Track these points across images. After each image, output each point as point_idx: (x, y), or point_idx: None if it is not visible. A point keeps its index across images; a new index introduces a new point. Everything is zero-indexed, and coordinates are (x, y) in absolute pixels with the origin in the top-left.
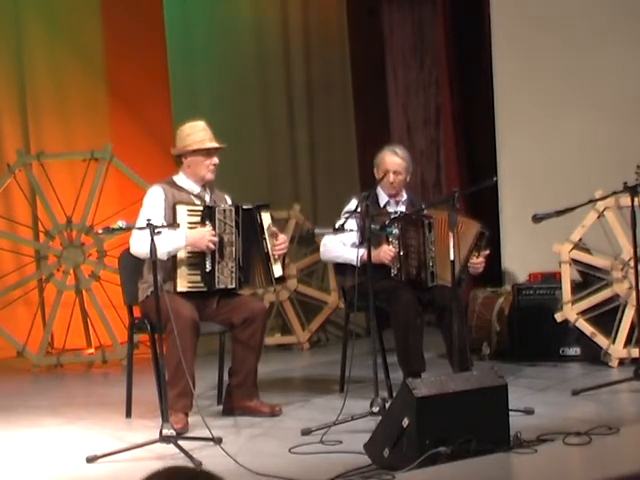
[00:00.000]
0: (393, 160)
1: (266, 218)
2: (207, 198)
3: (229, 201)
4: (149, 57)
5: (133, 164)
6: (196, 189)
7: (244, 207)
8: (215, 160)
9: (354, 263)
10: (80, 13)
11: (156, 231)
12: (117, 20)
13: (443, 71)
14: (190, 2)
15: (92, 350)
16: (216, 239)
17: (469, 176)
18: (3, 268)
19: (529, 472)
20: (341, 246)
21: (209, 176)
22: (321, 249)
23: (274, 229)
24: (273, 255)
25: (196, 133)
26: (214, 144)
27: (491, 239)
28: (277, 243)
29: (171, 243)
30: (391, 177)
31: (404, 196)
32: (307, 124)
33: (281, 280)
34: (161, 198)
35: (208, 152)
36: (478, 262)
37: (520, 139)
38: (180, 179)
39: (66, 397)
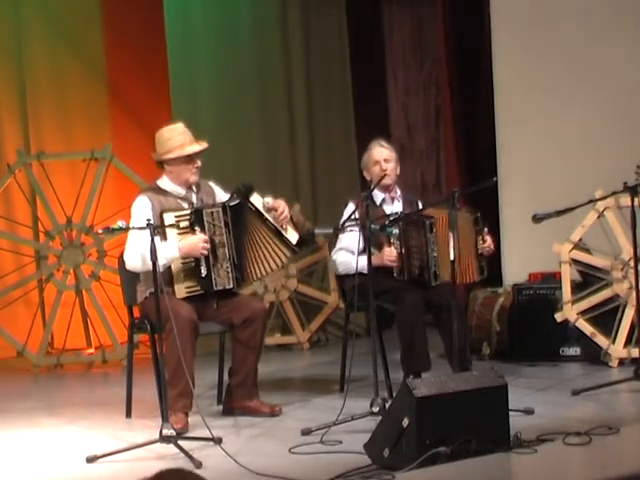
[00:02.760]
0: (380, 150)
1: (257, 201)
2: (194, 198)
3: (215, 189)
4: (149, 57)
5: (133, 164)
6: (182, 192)
7: (231, 204)
8: (198, 163)
9: (365, 271)
10: (80, 13)
11: (156, 232)
12: (117, 20)
13: (443, 71)
14: (190, 2)
15: (92, 350)
16: (208, 245)
17: (469, 176)
18: (3, 268)
19: (529, 472)
20: (350, 257)
21: (193, 179)
22: (332, 265)
23: (269, 205)
24: (281, 226)
25: (175, 137)
26: (195, 147)
27: (491, 237)
28: (278, 213)
29: (164, 255)
30: (382, 165)
31: (398, 192)
32: (307, 124)
33: (300, 244)
34: (148, 207)
35: (189, 157)
36: (487, 245)
37: (520, 139)
38: (164, 183)
39: (66, 397)
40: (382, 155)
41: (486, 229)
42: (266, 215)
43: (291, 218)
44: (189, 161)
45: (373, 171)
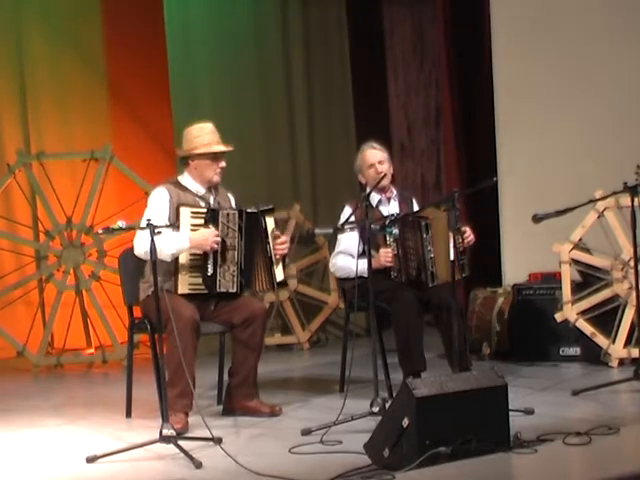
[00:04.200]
0: (373, 153)
1: (270, 222)
2: (211, 200)
3: (232, 200)
4: (149, 57)
5: (133, 164)
6: (201, 190)
7: (248, 211)
8: (222, 164)
9: (365, 274)
10: (80, 13)
11: (156, 231)
12: (117, 20)
13: (443, 71)
14: (190, 2)
15: (92, 350)
16: (219, 239)
17: (469, 176)
18: (3, 268)
19: (529, 472)
20: (349, 260)
21: (216, 179)
22: (332, 269)
23: (277, 232)
24: (275, 257)
25: (204, 135)
26: (222, 147)
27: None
28: (277, 242)
29: (175, 245)
30: (378, 168)
31: (393, 191)
32: (307, 124)
33: (282, 284)
34: (166, 199)
35: (215, 156)
36: (466, 236)
37: (520, 139)
38: (185, 180)
39: (66, 397)
40: (376, 157)
41: (464, 228)
42: (269, 239)
43: (283, 260)
44: (214, 159)
45: (368, 174)
